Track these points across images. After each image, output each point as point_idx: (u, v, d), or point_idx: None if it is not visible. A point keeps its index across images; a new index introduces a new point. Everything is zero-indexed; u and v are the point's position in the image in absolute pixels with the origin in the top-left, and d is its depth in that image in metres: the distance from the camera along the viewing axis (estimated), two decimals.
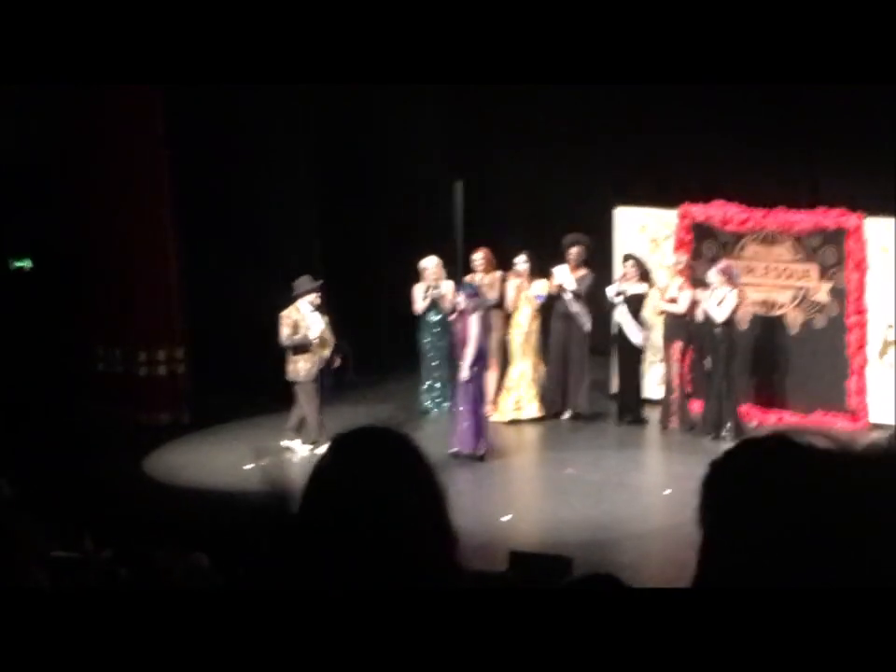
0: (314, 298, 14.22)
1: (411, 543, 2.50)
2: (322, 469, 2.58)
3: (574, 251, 15.90)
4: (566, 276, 15.89)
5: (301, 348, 14.25)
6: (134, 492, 12.90)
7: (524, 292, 15.86)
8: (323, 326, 14.25)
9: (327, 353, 14.30)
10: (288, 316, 14.24)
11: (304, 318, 14.23)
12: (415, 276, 16.07)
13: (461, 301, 14.47)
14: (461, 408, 14.21)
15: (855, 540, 2.01)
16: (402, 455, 2.60)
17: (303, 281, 14.30)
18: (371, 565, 2.47)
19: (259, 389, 15.53)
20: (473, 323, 14.22)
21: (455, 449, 13.95)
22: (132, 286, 15.66)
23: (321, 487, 2.57)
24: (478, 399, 14.26)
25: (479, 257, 16.10)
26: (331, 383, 14.51)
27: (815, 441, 2.11)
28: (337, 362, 14.56)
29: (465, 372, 14.15)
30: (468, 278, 15.94)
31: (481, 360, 14.33)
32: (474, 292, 14.53)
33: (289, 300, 14.28)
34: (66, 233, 15.59)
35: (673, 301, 15.24)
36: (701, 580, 2.13)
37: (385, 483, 2.53)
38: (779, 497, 2.04)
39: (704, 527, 2.15)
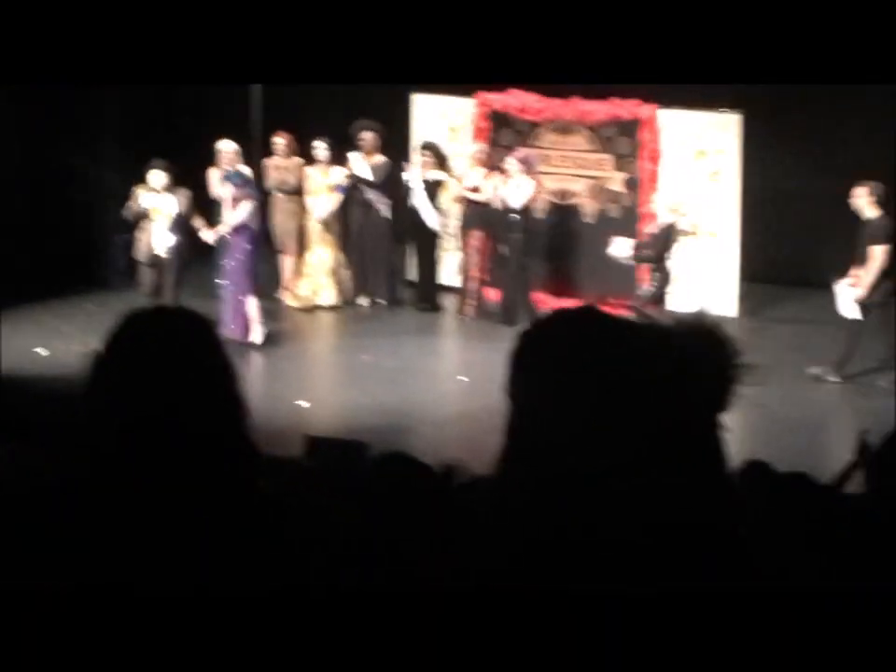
0: (161, 175, 14.08)
1: (201, 417, 2.50)
2: (109, 347, 2.56)
3: (366, 137, 15.84)
4: (360, 164, 15.83)
5: (138, 224, 14.20)
6: None
7: (323, 180, 15.76)
8: (159, 200, 14.08)
9: (171, 233, 14.15)
10: (135, 191, 14.19)
11: (151, 195, 14.12)
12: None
13: (227, 190, 14.32)
14: (230, 293, 14.12)
15: (664, 408, 2.02)
16: (189, 331, 2.60)
17: (153, 161, 14.15)
18: (163, 441, 2.46)
19: (52, 272, 15.25)
20: (241, 208, 14.09)
21: (227, 335, 13.81)
22: None
23: (107, 364, 2.55)
24: (246, 284, 14.15)
25: (280, 141, 15.93)
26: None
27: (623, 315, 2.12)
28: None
29: (209, 235, 14.18)
30: (267, 162, 15.80)
31: (252, 244, 14.19)
32: (243, 182, 14.37)
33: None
34: None
35: (475, 189, 15.30)
36: (508, 451, 2.11)
37: (173, 357, 2.53)
38: (590, 365, 2.03)
39: (512, 398, 2.12)
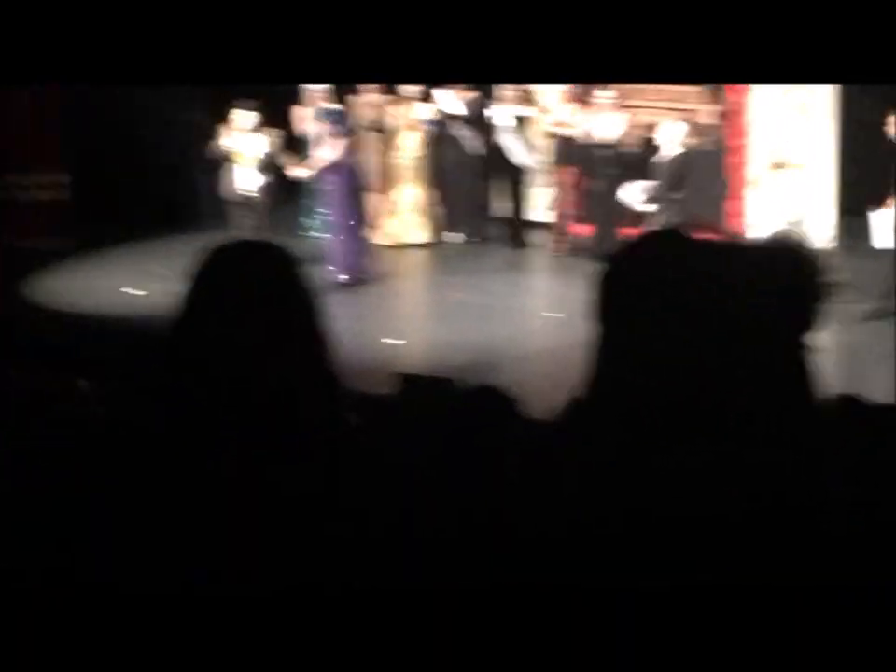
0: (249, 115, 14.07)
1: (284, 351, 2.50)
2: (192, 282, 2.56)
3: None
4: (451, 100, 15.76)
5: (223, 163, 14.19)
6: (15, 318, 12.74)
7: (410, 116, 15.71)
8: (245, 141, 14.13)
9: (261, 175, 14.18)
10: (220, 129, 14.17)
11: (239, 133, 14.11)
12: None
13: (321, 128, 14.31)
14: (338, 231, 14.14)
15: (751, 327, 2.00)
16: (272, 265, 2.59)
17: (240, 100, 14.08)
18: (247, 376, 2.46)
19: (149, 214, 15.42)
20: (338, 144, 14.08)
21: (335, 273, 13.88)
22: (3, 108, 15.32)
23: (191, 299, 2.55)
24: (355, 221, 14.13)
25: None
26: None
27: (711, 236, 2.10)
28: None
29: (303, 172, 14.16)
30: (353, 99, 15.80)
31: (354, 180, 14.19)
32: (339, 118, 14.36)
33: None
34: None
35: (564, 124, 15.19)
36: (595, 375, 2.10)
37: (256, 291, 2.53)
38: (676, 286, 2.02)
39: (599, 322, 2.11)
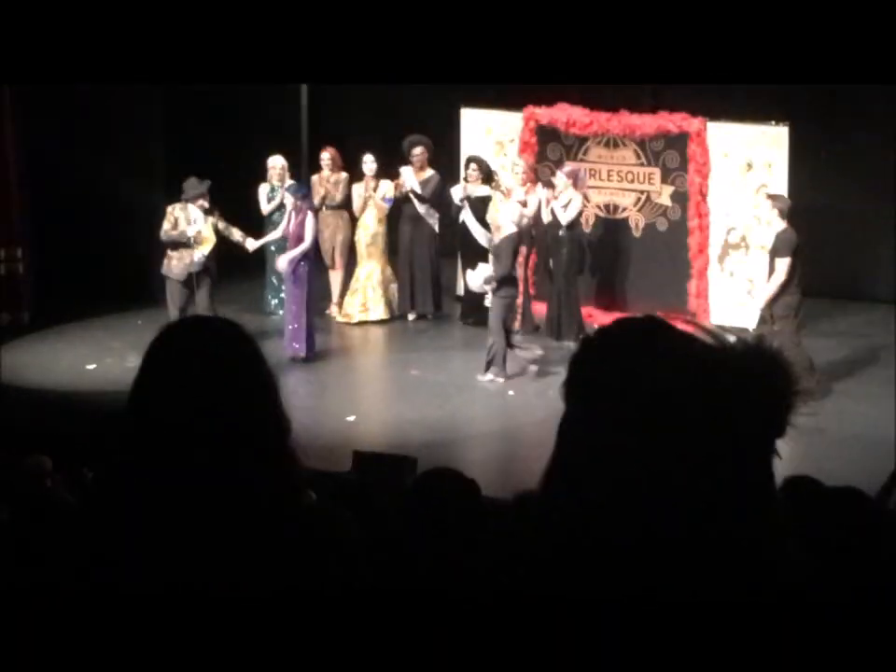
0: (202, 202, 14.02)
1: (242, 427, 2.51)
2: (150, 358, 2.58)
3: (417, 152, 15.91)
4: (410, 179, 15.89)
5: (176, 245, 14.08)
6: None
7: (371, 194, 15.81)
8: (202, 225, 14.05)
9: (201, 254, 14.06)
10: (171, 212, 14.05)
11: (188, 216, 14.03)
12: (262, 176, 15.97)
13: (291, 203, 14.40)
14: (290, 309, 14.19)
15: (719, 425, 2.02)
16: (228, 341, 2.61)
17: (192, 183, 14.05)
18: (202, 453, 2.48)
19: (103, 289, 15.38)
20: (309, 222, 14.17)
21: (287, 351, 13.93)
22: None
23: (146, 377, 2.57)
24: (304, 300, 14.17)
25: (326, 156, 16.01)
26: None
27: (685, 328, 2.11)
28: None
29: (283, 264, 14.18)
30: (314, 178, 15.92)
31: (307, 260, 14.26)
32: (305, 193, 14.50)
33: (177, 199, 14.11)
34: None
35: (523, 204, 15.30)
36: (559, 457, 2.11)
37: (212, 367, 2.54)
38: (650, 374, 2.02)
39: (568, 402, 2.11)
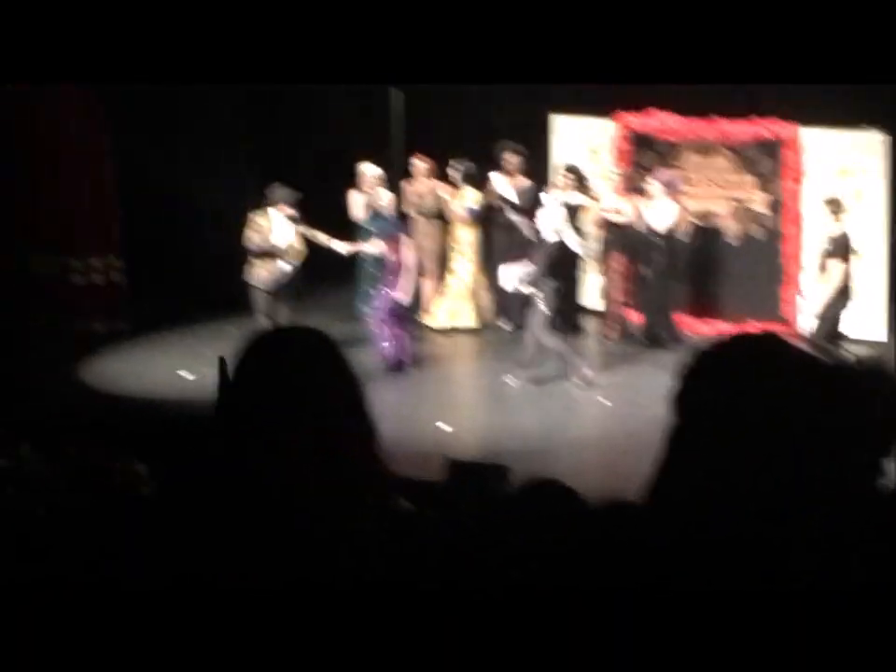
0: (285, 207, 14.08)
1: (329, 434, 2.51)
2: (241, 367, 2.59)
3: (510, 158, 15.85)
4: (503, 186, 15.85)
5: (261, 254, 14.16)
6: (70, 400, 12.83)
7: (457, 203, 15.81)
8: (292, 238, 14.11)
9: (288, 265, 14.12)
10: (253, 220, 14.13)
11: (271, 225, 14.11)
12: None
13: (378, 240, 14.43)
14: (382, 319, 14.17)
15: (830, 443, 2.00)
16: (318, 351, 2.61)
17: (274, 188, 14.16)
18: (294, 456, 2.48)
19: (199, 298, 15.50)
20: (407, 252, 14.18)
21: (379, 358, 13.93)
22: (65, 192, 15.53)
23: (234, 388, 2.57)
24: (398, 310, 14.19)
25: (418, 164, 16.05)
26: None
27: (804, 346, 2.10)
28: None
29: (404, 298, 14.16)
30: (404, 185, 15.94)
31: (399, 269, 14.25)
32: (392, 228, 14.45)
33: (262, 204, 14.19)
34: None
35: (616, 211, 15.23)
36: (667, 467, 2.10)
37: (302, 377, 2.54)
38: (765, 390, 2.02)
39: (679, 414, 2.11)
